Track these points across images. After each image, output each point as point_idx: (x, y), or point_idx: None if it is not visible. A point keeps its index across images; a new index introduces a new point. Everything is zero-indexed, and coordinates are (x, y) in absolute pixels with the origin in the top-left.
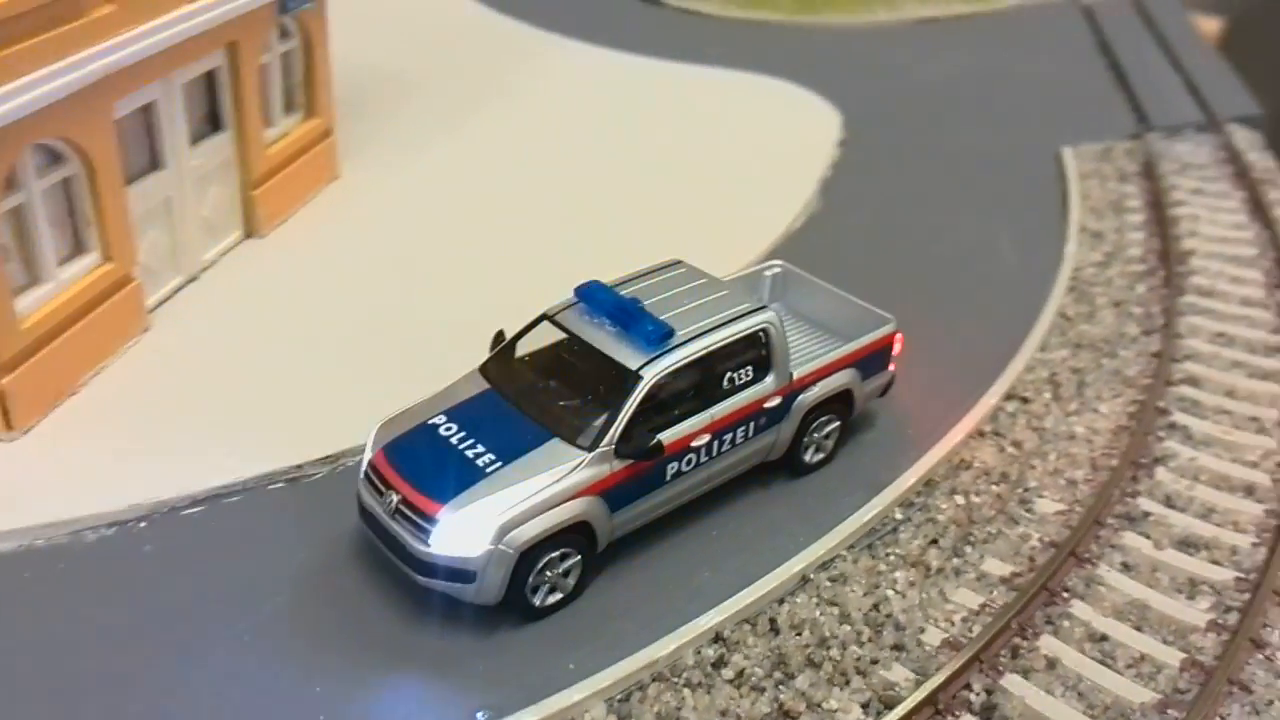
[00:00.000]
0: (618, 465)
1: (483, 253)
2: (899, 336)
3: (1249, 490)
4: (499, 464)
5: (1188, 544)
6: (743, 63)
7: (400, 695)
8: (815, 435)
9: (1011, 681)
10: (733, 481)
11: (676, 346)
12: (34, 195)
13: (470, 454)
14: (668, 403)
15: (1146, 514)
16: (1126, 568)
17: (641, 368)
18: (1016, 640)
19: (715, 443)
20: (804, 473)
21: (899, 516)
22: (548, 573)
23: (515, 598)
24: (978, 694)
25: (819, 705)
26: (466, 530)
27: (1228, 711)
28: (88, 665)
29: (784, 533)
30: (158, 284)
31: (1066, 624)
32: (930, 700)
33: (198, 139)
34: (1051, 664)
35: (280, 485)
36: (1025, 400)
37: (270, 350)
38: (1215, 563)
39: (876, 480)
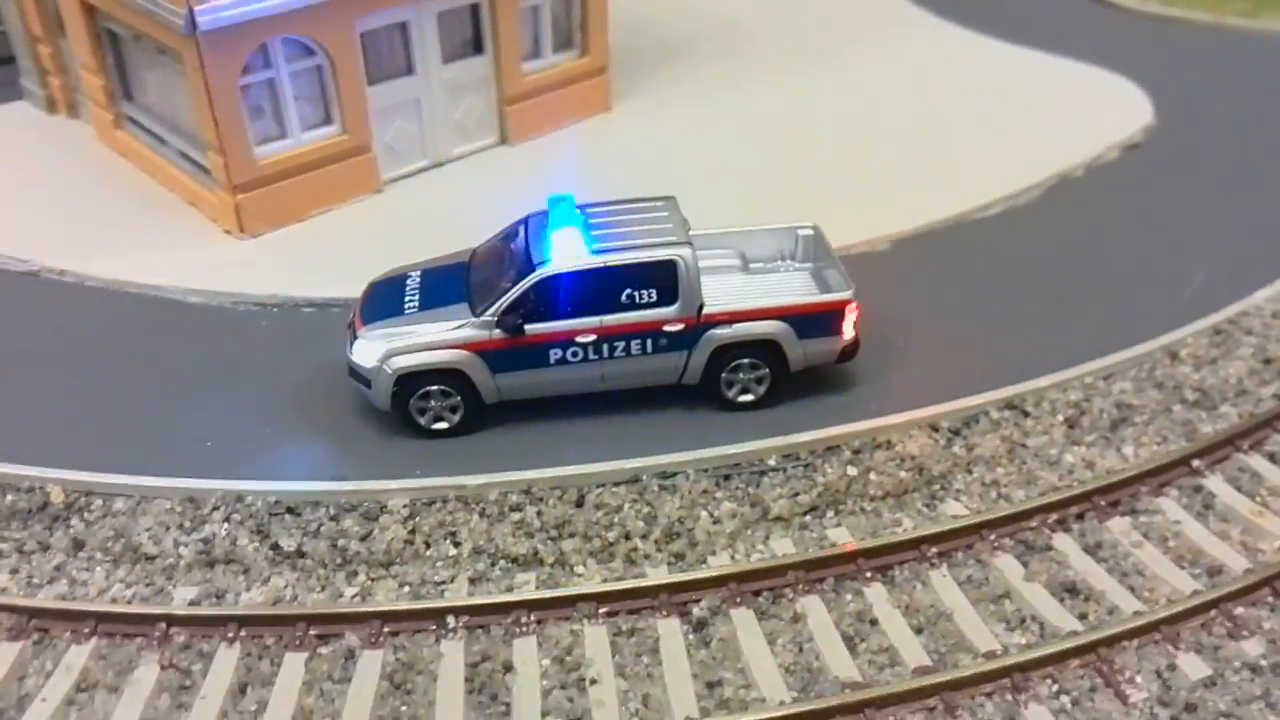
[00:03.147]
0: (497, 334)
1: (717, 187)
2: (851, 306)
3: (1212, 573)
4: (415, 310)
5: (1068, 589)
6: (1102, 58)
7: (303, 449)
8: (741, 376)
9: (741, 615)
10: (667, 398)
11: (578, 257)
12: (282, 74)
13: (406, 299)
14: (564, 298)
15: (1049, 547)
16: (922, 586)
17: (540, 264)
18: (787, 591)
19: (605, 345)
20: (731, 408)
21: (772, 464)
22: (432, 402)
23: (404, 414)
24: (702, 610)
25: (568, 564)
26: (369, 347)
27: None
28: (216, 371)
29: (665, 442)
30: (402, 162)
31: (848, 597)
32: (651, 592)
33: (455, 57)
34: (796, 618)
35: None
36: (1025, 414)
37: (467, 225)
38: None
39: (788, 429)
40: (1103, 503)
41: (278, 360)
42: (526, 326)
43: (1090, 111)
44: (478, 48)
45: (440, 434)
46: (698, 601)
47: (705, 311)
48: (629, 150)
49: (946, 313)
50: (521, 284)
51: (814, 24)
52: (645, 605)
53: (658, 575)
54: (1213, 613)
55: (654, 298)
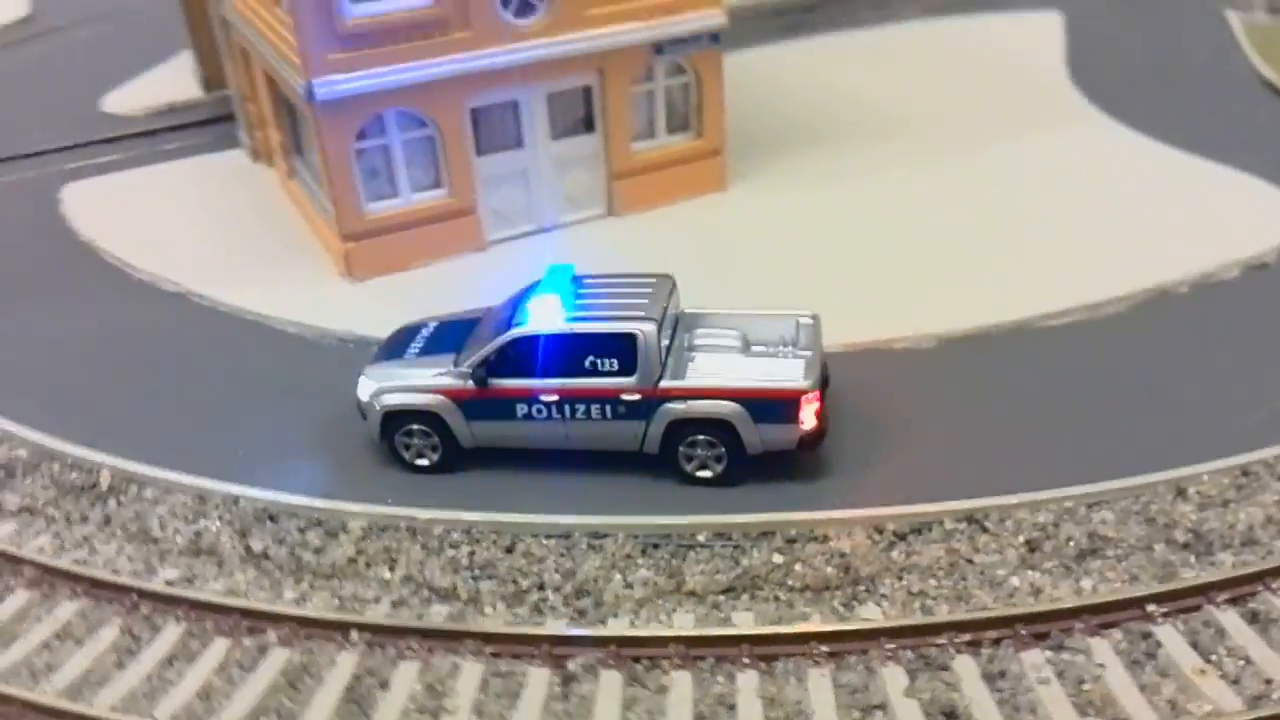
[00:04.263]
0: (469, 385)
1: (792, 270)
2: (809, 397)
3: None
4: (414, 354)
5: (946, 713)
6: (1274, 169)
7: (311, 466)
8: (699, 452)
9: (610, 677)
10: (636, 465)
11: (547, 322)
12: (394, 141)
13: (413, 345)
14: (534, 359)
15: (945, 667)
16: (797, 682)
17: (515, 326)
18: (664, 663)
19: (568, 406)
20: (690, 482)
21: (701, 540)
22: (415, 440)
23: (392, 448)
24: (575, 666)
25: (479, 601)
26: (367, 384)
27: None
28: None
29: (619, 505)
30: (508, 226)
31: (719, 679)
32: (535, 641)
33: (566, 134)
34: (662, 690)
35: None
36: (984, 529)
37: None
38: None
39: (737, 508)
40: (1024, 632)
41: (330, 389)
42: (495, 381)
43: (1226, 224)
44: (589, 126)
45: (424, 469)
46: (575, 657)
47: (662, 385)
48: (729, 230)
49: (955, 418)
50: (495, 341)
51: (973, 114)
52: (527, 652)
53: (553, 627)
54: None
55: (615, 367)
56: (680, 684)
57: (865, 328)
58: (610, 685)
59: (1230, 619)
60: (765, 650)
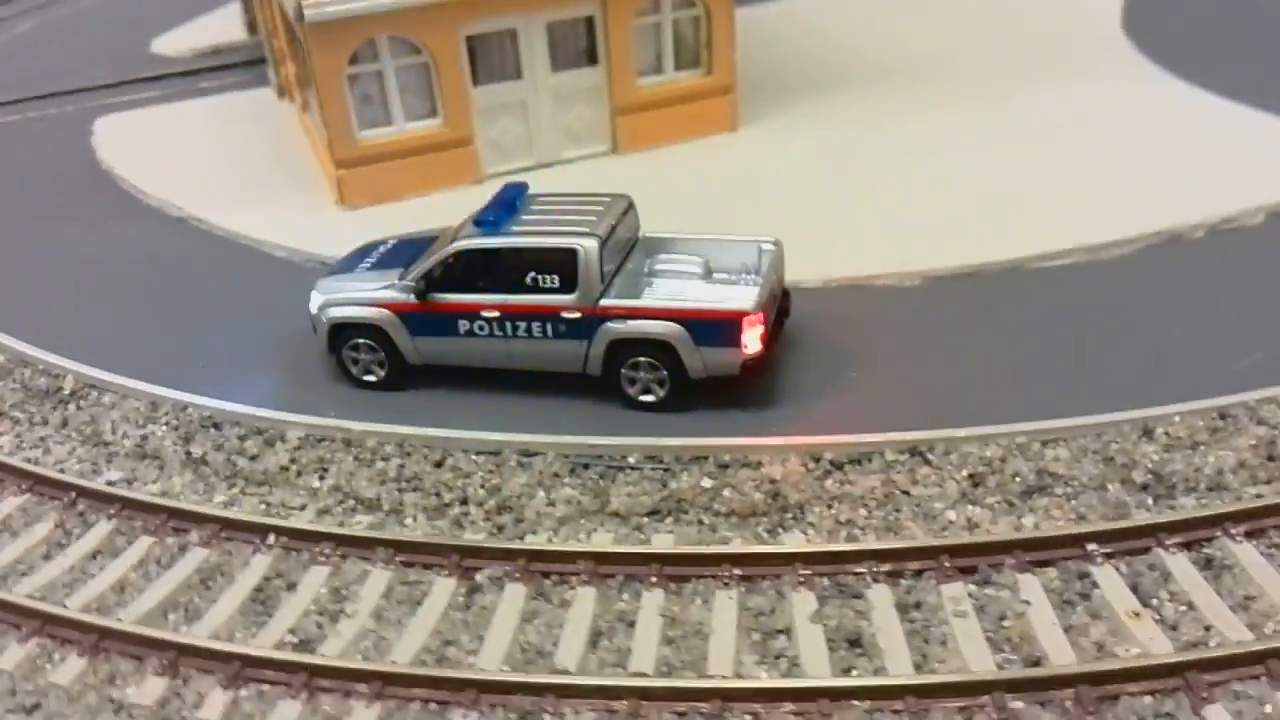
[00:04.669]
0: (412, 299)
1: (792, 211)
2: (749, 321)
3: (1028, 663)
4: (365, 269)
5: (851, 640)
6: None
7: (266, 379)
8: (641, 374)
9: (515, 589)
10: (586, 388)
11: (489, 236)
12: (388, 67)
13: (367, 260)
14: (477, 274)
15: (859, 595)
16: (703, 602)
17: (458, 239)
18: (572, 579)
19: (508, 323)
20: (635, 407)
21: (631, 462)
22: (362, 355)
23: (341, 363)
24: (482, 577)
25: (401, 513)
26: (316, 297)
27: None
28: None
29: (550, 423)
30: (507, 159)
31: (625, 595)
32: (444, 551)
33: (567, 66)
34: (563, 604)
35: None
36: (926, 461)
37: None
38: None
39: (673, 432)
40: (950, 564)
41: (301, 309)
42: (438, 296)
43: (1259, 170)
44: (592, 58)
45: (372, 385)
46: (483, 570)
47: (602, 304)
48: (734, 170)
49: (923, 354)
50: (436, 255)
51: (1013, 62)
52: (437, 563)
53: (475, 536)
54: (982, 698)
55: (556, 284)
56: (584, 599)
57: (851, 265)
58: (514, 596)
59: (1179, 563)
60: (676, 571)
